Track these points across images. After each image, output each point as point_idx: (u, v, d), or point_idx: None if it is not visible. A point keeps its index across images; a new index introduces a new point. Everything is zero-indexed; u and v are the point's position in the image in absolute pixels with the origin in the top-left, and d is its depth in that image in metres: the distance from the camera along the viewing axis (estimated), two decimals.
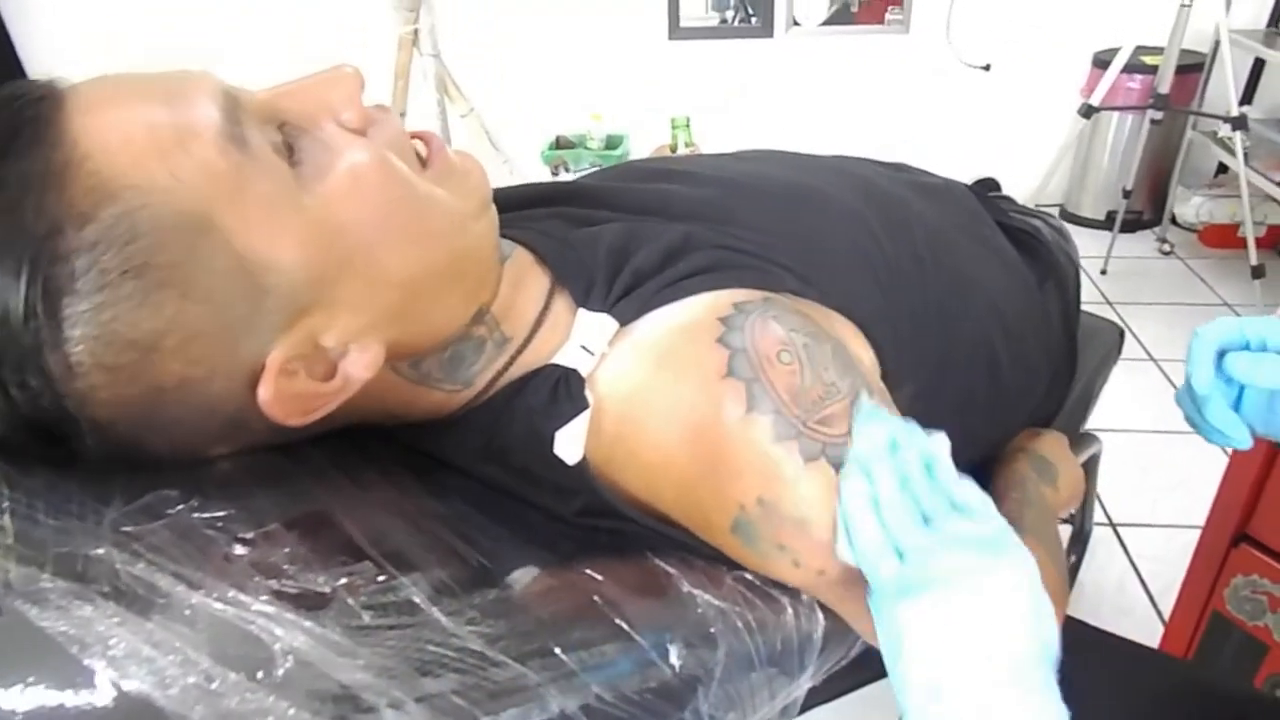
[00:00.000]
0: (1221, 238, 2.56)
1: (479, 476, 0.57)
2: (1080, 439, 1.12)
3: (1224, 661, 1.11)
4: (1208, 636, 1.12)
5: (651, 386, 0.52)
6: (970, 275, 0.75)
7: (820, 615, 0.58)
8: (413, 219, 0.49)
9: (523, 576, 0.49)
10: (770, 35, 2.68)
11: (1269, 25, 2.40)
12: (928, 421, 0.71)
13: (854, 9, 2.63)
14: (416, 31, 1.93)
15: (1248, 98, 2.49)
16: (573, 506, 0.55)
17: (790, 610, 0.56)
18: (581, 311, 0.56)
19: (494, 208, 0.56)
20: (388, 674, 0.35)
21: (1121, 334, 1.20)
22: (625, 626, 0.45)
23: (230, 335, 0.44)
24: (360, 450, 0.54)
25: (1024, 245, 0.88)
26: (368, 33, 2.07)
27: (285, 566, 0.38)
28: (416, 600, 0.39)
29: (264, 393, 0.45)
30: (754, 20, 2.66)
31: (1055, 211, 2.87)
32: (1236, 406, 0.61)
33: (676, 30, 2.68)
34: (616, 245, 0.59)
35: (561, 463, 0.53)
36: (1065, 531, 1.61)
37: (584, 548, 0.51)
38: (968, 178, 1.00)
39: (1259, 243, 2.12)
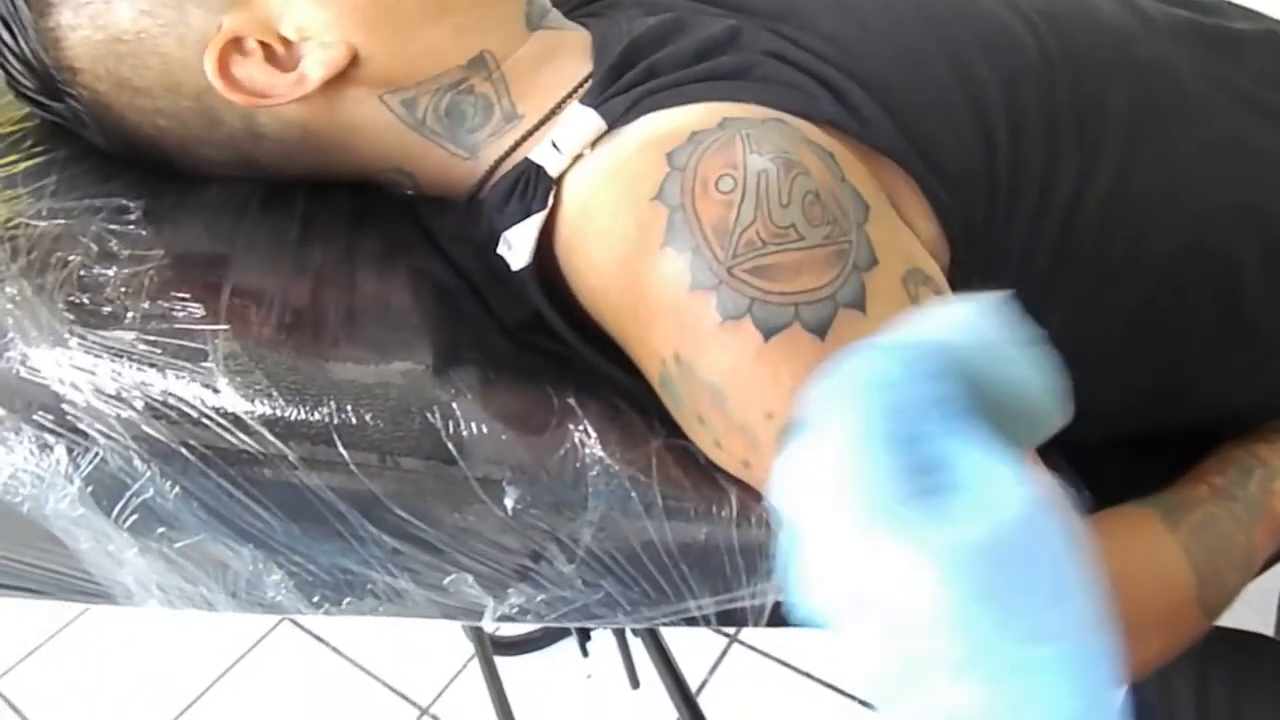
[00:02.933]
0: None
1: (460, 266, 0.54)
2: None
3: None
4: None
5: (598, 199, 0.45)
6: (1214, 160, 0.50)
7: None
8: None
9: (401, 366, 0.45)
10: None
11: None
12: (1090, 361, 0.51)
13: None
14: None
15: None
16: (516, 316, 0.50)
17: (734, 506, 0.46)
18: (573, 104, 0.49)
19: None
20: (109, 399, 0.35)
21: None
22: (452, 449, 0.40)
23: None
24: (353, 213, 0.54)
25: None
26: None
27: (110, 290, 0.39)
28: (208, 350, 0.38)
29: (208, 59, 0.46)
30: None
31: None
32: None
33: None
34: (649, 37, 0.49)
35: (508, 267, 0.48)
36: None
37: (496, 364, 0.46)
38: None
39: None
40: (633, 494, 0.44)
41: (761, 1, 0.52)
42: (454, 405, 0.42)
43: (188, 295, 0.41)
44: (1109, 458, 0.56)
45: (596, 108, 0.47)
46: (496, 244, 0.50)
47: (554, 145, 0.47)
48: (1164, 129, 0.50)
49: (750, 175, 0.38)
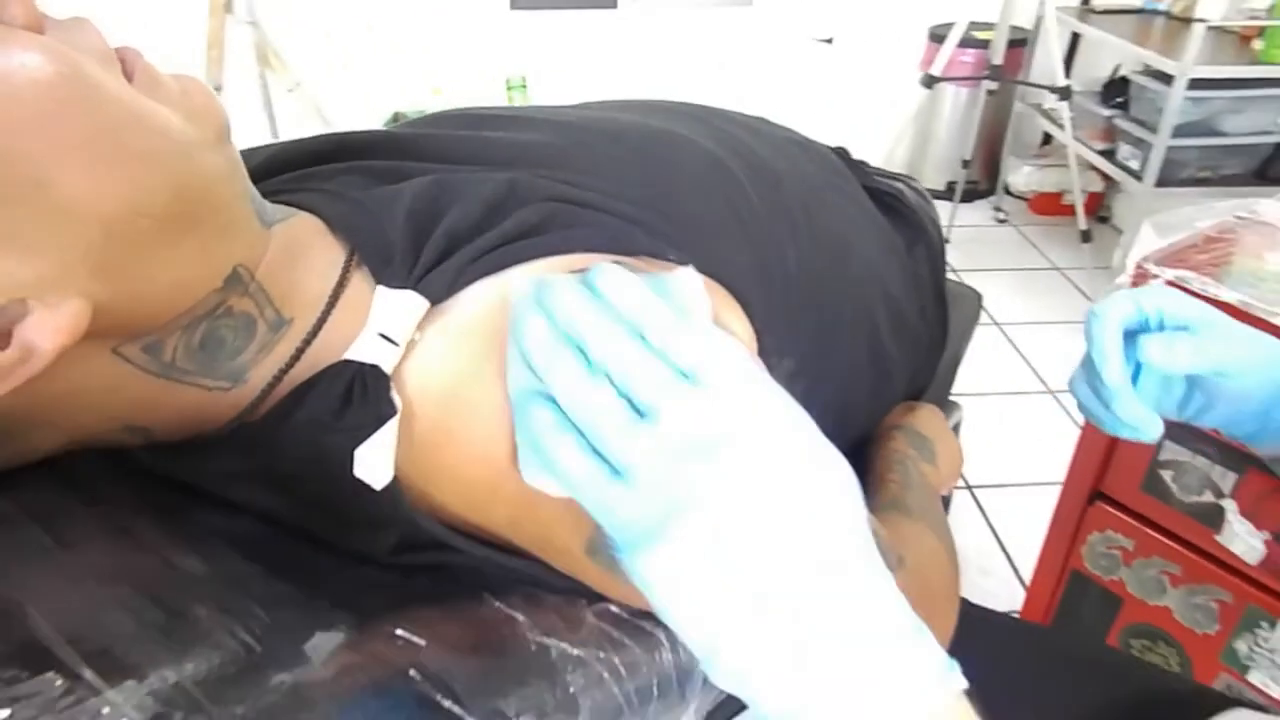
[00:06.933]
0: (1048, 205, 2.69)
1: (259, 510, 0.44)
2: (945, 407, 1.10)
3: (1084, 617, 1.13)
4: (1068, 594, 1.14)
5: (473, 381, 0.41)
6: (845, 237, 0.68)
7: None
8: (108, 130, 0.35)
9: (324, 644, 0.37)
10: (614, 6, 2.59)
11: (1082, 2, 2.52)
12: (811, 403, 0.63)
13: None
14: None
15: (1065, 72, 2.63)
16: (385, 543, 0.43)
17: (666, 643, 0.47)
18: (380, 289, 0.44)
19: (234, 146, 0.42)
20: None
21: (980, 298, 1.19)
22: (453, 707, 0.34)
23: None
24: (79, 488, 0.40)
25: (890, 209, 0.83)
26: None
27: None
28: None
29: None
30: None
31: None
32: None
33: (519, 0, 2.55)
34: (420, 205, 0.46)
35: (365, 488, 0.41)
36: None
37: (398, 599, 0.40)
38: None
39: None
40: (604, 673, 0.42)
41: (495, 151, 0.52)
42: (424, 659, 0.35)
43: (20, 669, 0.27)
44: None
45: (413, 288, 0.43)
46: (322, 470, 0.42)
47: (383, 337, 0.43)
48: (816, 217, 0.64)
49: None
